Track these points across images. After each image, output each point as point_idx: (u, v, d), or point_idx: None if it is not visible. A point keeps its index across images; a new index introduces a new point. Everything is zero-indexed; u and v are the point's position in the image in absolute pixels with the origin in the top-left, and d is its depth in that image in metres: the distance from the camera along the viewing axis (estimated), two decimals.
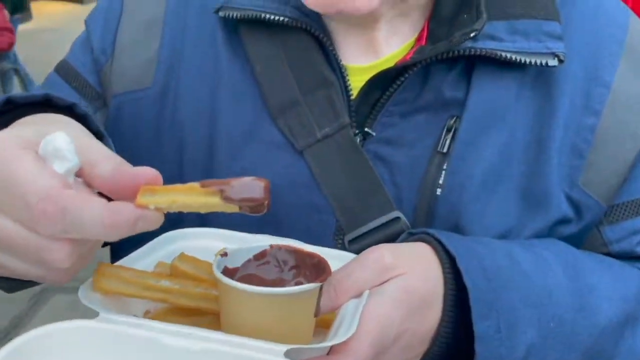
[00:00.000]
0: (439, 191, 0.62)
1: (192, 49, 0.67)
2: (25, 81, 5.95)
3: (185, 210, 0.41)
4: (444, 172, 0.62)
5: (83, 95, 0.70)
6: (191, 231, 0.57)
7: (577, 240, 0.66)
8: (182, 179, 0.52)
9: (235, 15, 0.63)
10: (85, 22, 0.73)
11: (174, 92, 0.67)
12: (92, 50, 0.70)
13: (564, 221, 0.64)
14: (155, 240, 0.54)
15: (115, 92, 0.68)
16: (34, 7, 12.17)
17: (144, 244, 0.54)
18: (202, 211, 0.41)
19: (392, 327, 0.49)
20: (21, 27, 10.83)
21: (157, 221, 0.41)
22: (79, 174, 0.42)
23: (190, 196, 0.40)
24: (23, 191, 0.38)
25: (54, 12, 13.29)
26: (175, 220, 0.56)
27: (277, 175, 0.62)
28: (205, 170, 0.65)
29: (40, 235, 0.39)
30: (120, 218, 0.39)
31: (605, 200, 0.65)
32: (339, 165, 0.63)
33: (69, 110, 0.54)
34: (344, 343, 0.44)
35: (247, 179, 0.41)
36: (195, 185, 0.40)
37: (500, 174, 0.62)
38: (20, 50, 8.86)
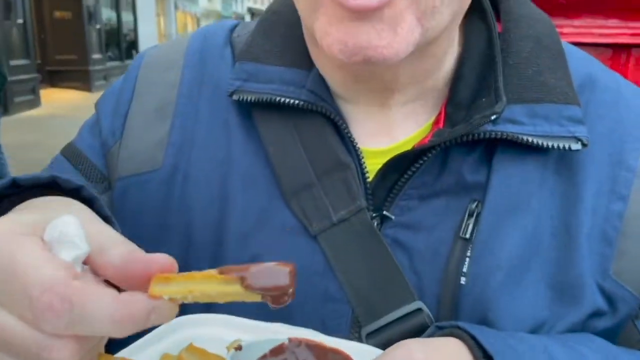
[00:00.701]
0: (463, 280, 0.59)
1: (204, 132, 0.66)
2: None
3: (203, 301, 0.37)
4: (467, 259, 0.59)
5: (88, 178, 0.68)
6: (199, 317, 0.53)
7: (612, 335, 0.63)
8: (188, 265, 0.49)
9: (249, 98, 0.63)
10: (96, 105, 0.73)
11: (183, 175, 0.65)
12: (101, 133, 0.69)
13: (597, 314, 0.61)
14: (161, 327, 0.50)
15: (121, 175, 0.67)
16: (43, 94, 12.73)
17: (147, 330, 0.49)
18: (221, 301, 0.37)
19: None
20: (29, 113, 11.27)
21: (171, 313, 0.37)
22: (86, 261, 0.38)
23: (208, 285, 0.37)
24: (25, 282, 0.35)
25: (63, 99, 13.81)
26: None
27: (289, 261, 0.58)
28: (214, 255, 0.62)
29: (42, 333, 0.36)
30: (132, 312, 0.35)
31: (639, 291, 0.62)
32: (355, 251, 0.61)
33: (75, 193, 0.51)
34: None
35: (269, 264, 0.37)
36: (213, 272, 0.37)
37: (528, 262, 0.60)
38: (28, 135, 9.12)
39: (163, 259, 0.38)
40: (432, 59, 0.62)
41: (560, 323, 0.60)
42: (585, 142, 0.59)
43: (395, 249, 0.61)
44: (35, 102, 12.06)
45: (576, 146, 0.59)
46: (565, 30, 1.37)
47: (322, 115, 0.63)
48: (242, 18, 49.27)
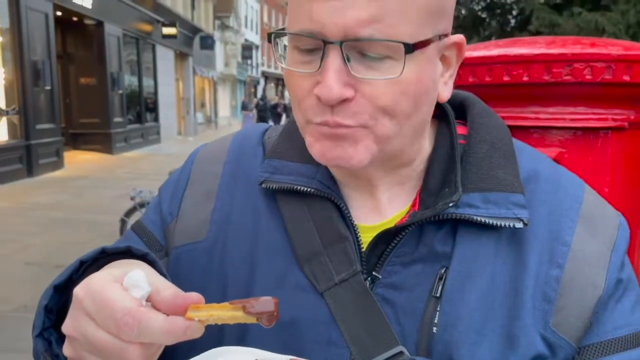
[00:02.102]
0: (435, 329, 0.71)
1: (239, 213, 0.82)
2: None
3: (219, 322, 0.58)
4: (437, 312, 0.72)
5: (150, 247, 0.86)
6: (231, 348, 0.70)
7: None
8: None
9: (274, 187, 0.80)
10: (159, 189, 0.91)
11: (221, 246, 0.81)
12: (161, 212, 0.86)
13: (540, 358, 0.72)
14: (203, 354, 0.68)
15: (176, 245, 0.83)
16: (66, 156, 12.98)
17: (196, 353, 0.68)
18: (230, 322, 0.58)
19: None
20: (53, 174, 11.52)
21: (200, 330, 0.57)
22: (148, 299, 0.59)
23: (222, 312, 0.57)
24: (112, 309, 0.56)
25: (85, 160, 14.00)
26: (217, 340, 0.72)
27: (301, 313, 0.74)
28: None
29: (122, 340, 0.56)
30: (175, 328, 0.56)
31: (575, 340, 0.73)
32: (352, 305, 0.74)
33: (142, 257, 0.71)
34: None
35: (262, 298, 0.58)
36: (226, 304, 0.58)
37: (485, 315, 0.72)
38: (53, 196, 9.36)
39: (195, 296, 0.58)
40: (404, 168, 0.79)
41: None
42: (526, 222, 0.72)
43: (384, 305, 0.74)
44: (59, 164, 12.21)
45: (519, 225, 0.72)
46: (541, 116, 1.53)
47: (329, 200, 0.78)
48: (257, 81, 50.45)
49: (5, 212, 8.05)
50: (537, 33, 7.08)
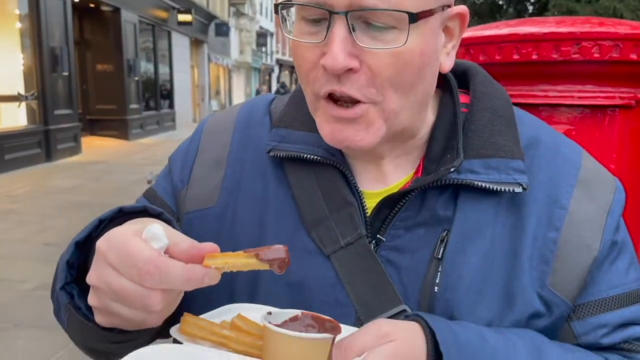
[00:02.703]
0: (436, 289, 0.75)
1: (248, 180, 0.85)
2: None
3: (234, 270, 0.61)
4: (439, 273, 0.75)
5: None
6: (245, 305, 0.75)
7: (551, 333, 0.78)
8: (237, 277, 0.73)
9: (281, 154, 0.82)
10: (169, 158, 0.94)
11: (232, 212, 0.84)
12: (172, 180, 0.90)
13: (537, 315, 0.77)
14: (222, 307, 0.74)
15: (187, 210, 0.86)
16: (83, 141, 13.12)
17: (210, 309, 0.73)
18: (244, 269, 0.61)
19: None
20: (71, 159, 11.68)
21: (217, 277, 0.60)
22: (166, 251, 0.62)
23: (237, 259, 0.61)
24: (135, 259, 0.59)
25: (102, 146, 14.14)
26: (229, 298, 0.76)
27: (309, 275, 0.78)
28: (255, 270, 0.84)
29: (144, 288, 0.59)
30: (194, 274, 0.59)
31: (570, 299, 0.77)
32: (358, 267, 0.77)
33: (157, 216, 0.74)
34: None
35: (274, 246, 0.61)
36: (240, 252, 0.62)
37: (485, 276, 0.75)
38: (70, 180, 9.52)
39: (211, 246, 0.62)
40: (410, 140, 0.81)
41: (505, 321, 0.75)
42: (525, 187, 0.75)
43: (387, 266, 0.77)
44: (76, 149, 12.35)
45: (518, 189, 0.75)
46: (550, 94, 1.56)
47: (334, 167, 0.81)
48: (272, 69, 50.38)
49: (25, 196, 8.22)
50: None
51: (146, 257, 0.58)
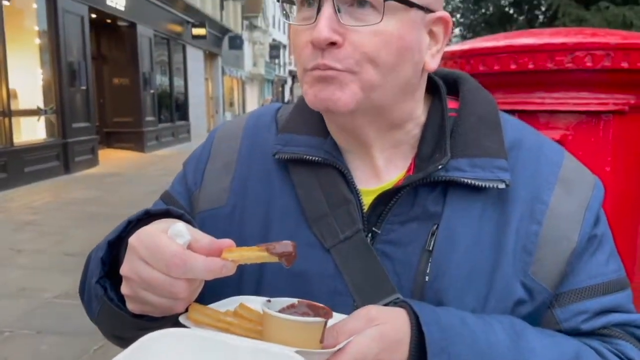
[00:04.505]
0: (427, 278, 0.81)
1: (255, 182, 0.91)
2: None
3: (248, 262, 0.69)
4: (429, 264, 0.81)
5: None
6: (249, 297, 0.82)
7: (535, 319, 0.83)
8: (244, 270, 0.80)
9: (286, 157, 0.89)
10: (183, 164, 1.01)
11: (240, 210, 0.90)
12: (187, 183, 0.97)
13: (520, 302, 0.82)
14: (226, 299, 0.81)
15: (200, 210, 0.93)
16: (100, 154, 13.28)
17: (220, 299, 0.80)
18: (257, 262, 0.70)
19: (370, 354, 0.69)
20: (88, 172, 11.86)
21: (233, 268, 0.68)
22: (188, 247, 0.70)
23: (250, 252, 0.69)
24: (163, 252, 0.67)
25: (118, 158, 14.30)
26: (237, 289, 0.84)
27: (310, 267, 0.83)
28: (260, 264, 0.87)
29: (171, 277, 0.67)
30: (214, 265, 0.67)
31: (551, 287, 0.82)
32: (356, 259, 0.83)
33: (179, 217, 0.81)
34: (333, 355, 0.67)
35: (283, 242, 0.70)
36: (253, 247, 0.69)
37: (472, 266, 0.81)
38: (88, 192, 9.68)
39: (228, 242, 0.70)
40: (396, 130, 0.87)
41: (491, 307, 0.81)
42: (507, 183, 0.81)
43: (383, 258, 0.82)
44: (93, 162, 12.55)
45: (502, 186, 0.81)
46: (546, 101, 1.63)
47: (334, 167, 0.87)
48: (285, 81, 50.63)
49: (46, 207, 8.38)
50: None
51: (173, 251, 0.66)
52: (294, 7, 0.84)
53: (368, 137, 0.87)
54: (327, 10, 0.77)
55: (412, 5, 0.79)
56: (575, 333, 0.85)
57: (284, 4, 0.85)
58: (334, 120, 0.88)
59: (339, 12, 0.77)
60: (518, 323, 0.81)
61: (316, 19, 0.77)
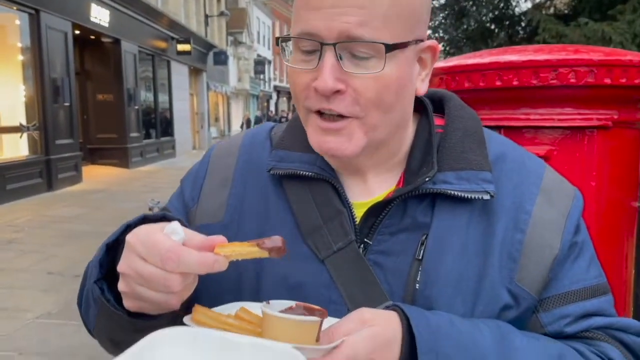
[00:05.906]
0: (417, 286, 0.85)
1: (251, 197, 0.96)
2: None
3: (239, 258, 0.72)
4: (420, 272, 0.85)
5: None
6: (250, 303, 0.84)
7: (521, 323, 0.87)
8: (240, 277, 0.86)
9: (280, 172, 0.93)
10: (181, 180, 1.06)
11: (236, 225, 0.94)
12: (184, 199, 1.01)
13: (506, 307, 0.86)
14: (228, 304, 0.83)
15: (197, 225, 0.96)
16: (84, 170, 13.17)
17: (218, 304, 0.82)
18: (248, 257, 0.73)
19: (363, 354, 0.72)
20: (72, 188, 11.73)
21: (225, 264, 0.72)
22: (183, 244, 0.73)
23: (241, 248, 0.72)
24: (159, 248, 0.71)
25: (102, 174, 14.17)
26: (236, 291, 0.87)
27: (306, 279, 0.88)
28: (256, 274, 0.90)
29: (166, 272, 0.70)
30: (206, 260, 0.70)
31: (536, 293, 0.87)
32: (349, 269, 0.87)
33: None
34: (328, 354, 0.70)
35: (272, 237, 0.73)
36: (244, 242, 0.73)
37: (459, 274, 0.85)
38: (72, 209, 9.57)
39: (220, 238, 0.73)
40: (389, 154, 0.92)
41: (479, 312, 0.84)
42: (492, 194, 0.86)
43: (375, 268, 0.86)
44: (77, 178, 12.44)
45: (487, 197, 0.86)
46: (531, 117, 1.66)
47: (327, 182, 0.91)
48: (270, 96, 50.82)
49: (28, 225, 8.27)
50: (545, 44, 7.17)
51: (167, 246, 0.70)
52: (289, 43, 0.86)
53: (364, 165, 0.93)
54: (329, 58, 0.80)
55: (408, 44, 0.82)
56: (559, 336, 0.89)
57: (283, 45, 0.87)
58: (333, 159, 0.92)
59: (341, 59, 0.80)
60: (504, 325, 0.84)
61: (318, 64, 0.81)
